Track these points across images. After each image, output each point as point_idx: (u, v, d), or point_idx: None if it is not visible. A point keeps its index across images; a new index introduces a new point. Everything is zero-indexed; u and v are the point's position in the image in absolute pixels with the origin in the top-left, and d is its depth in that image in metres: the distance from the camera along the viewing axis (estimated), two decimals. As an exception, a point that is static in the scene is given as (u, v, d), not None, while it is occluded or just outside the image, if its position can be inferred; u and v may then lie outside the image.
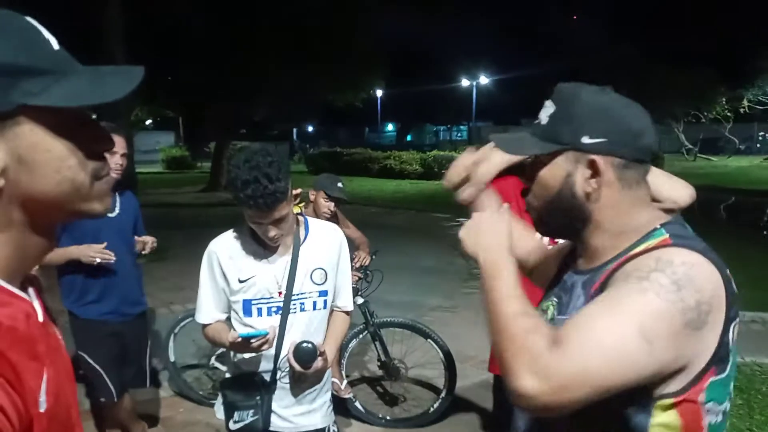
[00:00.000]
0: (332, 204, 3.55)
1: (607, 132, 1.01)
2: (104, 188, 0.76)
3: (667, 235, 1.00)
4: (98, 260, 2.82)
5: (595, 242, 1.07)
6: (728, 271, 0.96)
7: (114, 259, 2.86)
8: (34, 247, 0.72)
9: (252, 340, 1.82)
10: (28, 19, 0.69)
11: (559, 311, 1.13)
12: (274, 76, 16.89)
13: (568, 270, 1.19)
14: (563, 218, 1.07)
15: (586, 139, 1.01)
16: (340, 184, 3.60)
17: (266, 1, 15.57)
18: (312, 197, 3.59)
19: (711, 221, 12.12)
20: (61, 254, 2.83)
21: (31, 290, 0.76)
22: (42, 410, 0.67)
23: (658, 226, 1.02)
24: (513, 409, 2.07)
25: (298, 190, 1.98)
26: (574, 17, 44.16)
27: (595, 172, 1.02)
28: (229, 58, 15.96)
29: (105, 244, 2.85)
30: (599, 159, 1.01)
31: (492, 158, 2.24)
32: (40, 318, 0.74)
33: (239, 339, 1.82)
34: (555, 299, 1.18)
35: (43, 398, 0.67)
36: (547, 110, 1.07)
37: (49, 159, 0.68)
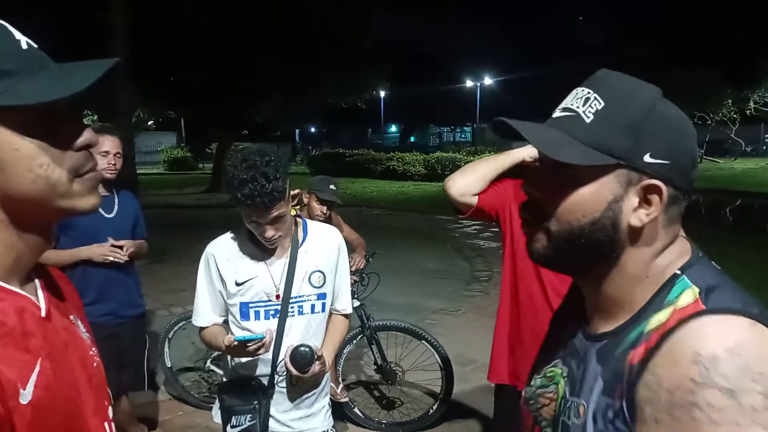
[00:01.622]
0: (325, 207, 3.49)
1: (670, 153, 0.79)
2: (87, 185, 0.75)
3: (696, 292, 0.77)
4: (111, 259, 2.82)
5: (609, 290, 0.85)
6: None
7: (126, 258, 2.86)
8: (27, 245, 0.74)
9: (248, 344, 1.79)
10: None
11: (572, 389, 0.90)
12: (278, 78, 16.92)
13: (574, 321, 0.96)
14: (588, 254, 0.83)
15: (648, 158, 0.78)
16: (332, 186, 3.53)
17: (257, 6, 15.58)
18: (306, 200, 3.54)
19: (717, 224, 12.07)
20: (69, 255, 2.81)
21: (39, 286, 0.79)
22: (24, 402, 0.68)
23: (678, 272, 0.81)
24: (513, 418, 2.00)
25: (296, 191, 1.95)
26: (580, 18, 44.12)
27: (647, 202, 0.79)
28: (232, 59, 15.99)
29: (110, 242, 2.84)
30: (662, 186, 0.78)
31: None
32: (42, 313, 0.75)
33: (235, 342, 1.79)
34: (565, 368, 0.95)
35: (28, 390, 0.69)
36: (590, 105, 0.81)
37: (19, 158, 0.68)
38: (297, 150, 44.96)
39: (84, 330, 0.88)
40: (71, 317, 0.86)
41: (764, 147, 36.23)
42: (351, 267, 3.54)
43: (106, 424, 0.85)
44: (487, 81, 46.22)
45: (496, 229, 2.36)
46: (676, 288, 0.80)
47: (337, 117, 37.67)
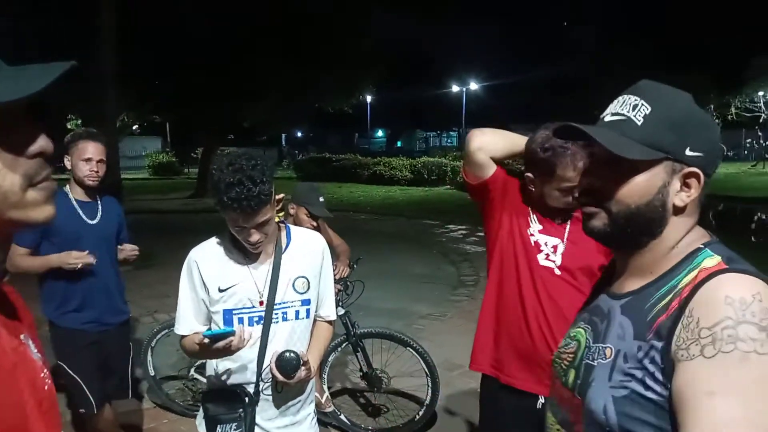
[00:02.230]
0: (313, 220, 3.35)
1: (705, 146, 0.99)
2: (42, 195, 0.71)
3: (719, 259, 0.96)
4: (79, 266, 2.76)
5: (645, 258, 1.03)
6: None
7: (95, 261, 2.80)
8: None
9: (218, 339, 1.72)
10: None
11: (595, 338, 1.07)
12: (270, 81, 16.89)
13: (601, 291, 1.14)
14: (641, 228, 1.01)
15: (688, 151, 0.98)
16: (321, 198, 3.37)
17: (258, 6, 15.56)
18: (292, 211, 3.38)
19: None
20: (41, 262, 2.78)
21: None
22: None
23: (702, 246, 1.00)
24: (503, 410, 2.04)
25: (281, 195, 1.94)
26: (565, 23, 44.52)
27: (687, 186, 0.99)
28: (219, 64, 15.92)
29: (87, 252, 2.79)
30: (700, 173, 0.98)
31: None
32: None
33: (205, 340, 1.72)
34: (587, 326, 1.12)
35: None
36: (639, 110, 1.00)
37: None
38: (283, 155, 44.82)
39: (35, 351, 0.83)
40: (21, 336, 0.80)
41: (745, 152, 36.73)
42: (335, 275, 3.49)
43: None
44: (473, 86, 46.41)
45: (482, 234, 2.34)
46: (700, 257, 0.98)
47: (323, 122, 37.61)
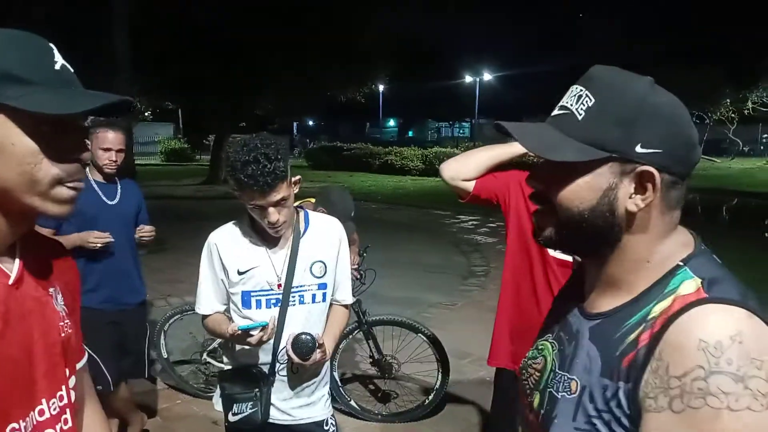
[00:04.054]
0: None
1: (663, 141, 0.84)
2: (65, 194, 0.85)
3: (698, 282, 0.82)
4: (99, 245, 2.83)
5: (612, 271, 0.91)
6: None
7: (113, 240, 2.87)
8: (6, 224, 0.85)
9: (252, 332, 1.81)
10: (48, 43, 0.85)
11: (561, 364, 0.96)
12: (278, 71, 16.87)
13: (573, 300, 1.01)
14: (590, 237, 0.89)
15: (639, 148, 0.83)
16: (353, 213, 3.26)
17: None
18: (320, 211, 3.17)
19: (714, 223, 12.12)
20: (64, 242, 2.83)
21: (18, 258, 0.89)
22: None
23: (681, 263, 0.86)
24: (510, 399, 2.02)
25: (298, 177, 1.96)
26: (580, 15, 44.04)
27: (643, 188, 0.85)
28: (233, 52, 15.93)
29: (107, 232, 2.86)
30: (655, 173, 0.83)
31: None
32: (10, 281, 0.86)
33: (239, 332, 1.81)
34: (555, 342, 1.01)
35: None
36: (582, 102, 0.86)
37: (14, 151, 0.80)
38: (295, 143, 44.85)
39: (61, 302, 0.97)
40: (50, 289, 0.95)
41: (761, 147, 36.29)
42: None
43: (64, 387, 0.94)
44: (486, 77, 46.09)
45: (494, 225, 2.40)
46: (677, 278, 0.85)
47: (335, 111, 37.53)
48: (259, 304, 1.97)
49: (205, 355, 3.97)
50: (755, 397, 0.71)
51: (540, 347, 1.05)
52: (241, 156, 1.75)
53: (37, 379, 0.88)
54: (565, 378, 0.93)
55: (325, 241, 2.05)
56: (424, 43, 33.29)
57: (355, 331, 3.74)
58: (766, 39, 25.67)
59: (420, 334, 3.67)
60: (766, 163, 29.77)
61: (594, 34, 36.61)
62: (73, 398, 0.95)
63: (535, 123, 0.92)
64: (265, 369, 1.99)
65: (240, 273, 1.95)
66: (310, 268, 2.00)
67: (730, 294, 0.80)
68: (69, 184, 0.85)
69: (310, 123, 57.46)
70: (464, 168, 2.26)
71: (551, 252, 2.14)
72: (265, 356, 1.99)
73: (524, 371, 1.07)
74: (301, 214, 2.07)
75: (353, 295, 3.56)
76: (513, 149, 2.23)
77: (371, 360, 3.84)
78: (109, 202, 2.96)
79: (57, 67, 0.84)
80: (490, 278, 7.12)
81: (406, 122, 55.01)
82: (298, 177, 1.95)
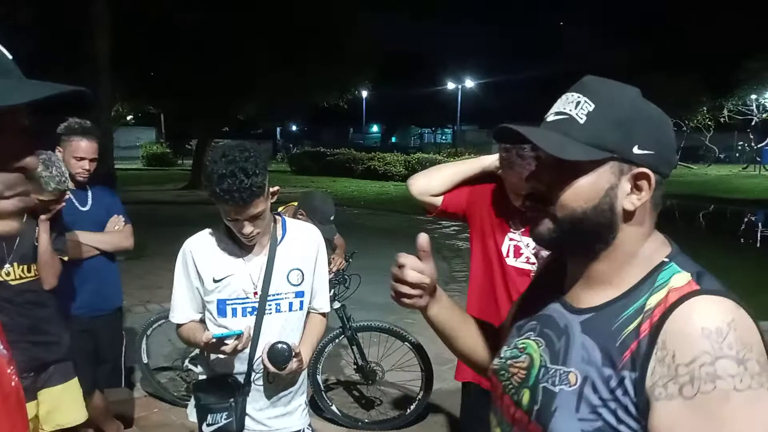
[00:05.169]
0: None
1: (655, 144, 0.92)
2: (10, 208, 0.68)
3: (688, 276, 0.89)
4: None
5: (601, 267, 0.96)
6: None
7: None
8: None
9: (226, 341, 1.78)
10: None
11: (554, 358, 0.97)
12: (262, 76, 16.81)
13: (550, 297, 1.04)
14: (588, 235, 0.93)
15: (636, 150, 0.90)
16: (333, 217, 3.20)
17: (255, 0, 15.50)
18: (300, 217, 3.10)
19: (691, 229, 12.29)
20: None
21: None
22: None
23: (666, 260, 0.93)
24: (480, 417, 2.00)
25: (276, 188, 1.94)
26: (561, 23, 44.57)
27: (638, 188, 0.91)
28: (216, 56, 15.84)
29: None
30: (650, 173, 0.91)
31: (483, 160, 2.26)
32: None
33: (213, 340, 1.78)
34: (540, 339, 1.02)
35: None
36: (581, 107, 0.92)
37: None
38: (278, 148, 44.67)
39: (2, 348, 0.80)
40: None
41: (737, 154, 36.90)
42: (332, 268, 3.50)
43: None
44: (468, 84, 46.33)
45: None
46: (666, 272, 0.91)
47: (318, 116, 37.47)
48: (234, 313, 1.94)
49: (186, 362, 3.92)
50: (752, 377, 0.79)
51: (521, 346, 1.06)
52: (218, 168, 1.72)
53: None
54: (562, 371, 0.95)
55: (303, 248, 2.03)
56: (407, 49, 33.43)
57: (340, 337, 3.71)
58: (742, 47, 26.19)
59: (406, 342, 3.65)
60: (742, 170, 30.32)
61: (573, 42, 37.05)
62: None
63: (536, 127, 0.97)
64: (241, 378, 1.97)
65: (216, 281, 1.92)
66: (287, 275, 1.98)
67: (717, 286, 0.87)
68: (9, 197, 0.67)
69: (294, 128, 57.22)
70: (432, 183, 2.29)
71: (509, 261, 2.16)
72: (240, 365, 1.96)
73: (503, 372, 1.07)
74: (279, 221, 2.05)
75: (338, 300, 3.58)
76: (479, 163, 2.29)
77: (355, 366, 3.81)
78: (81, 209, 2.93)
79: None
80: (471, 284, 7.10)
81: (389, 128, 55.05)
82: (276, 188, 1.93)
